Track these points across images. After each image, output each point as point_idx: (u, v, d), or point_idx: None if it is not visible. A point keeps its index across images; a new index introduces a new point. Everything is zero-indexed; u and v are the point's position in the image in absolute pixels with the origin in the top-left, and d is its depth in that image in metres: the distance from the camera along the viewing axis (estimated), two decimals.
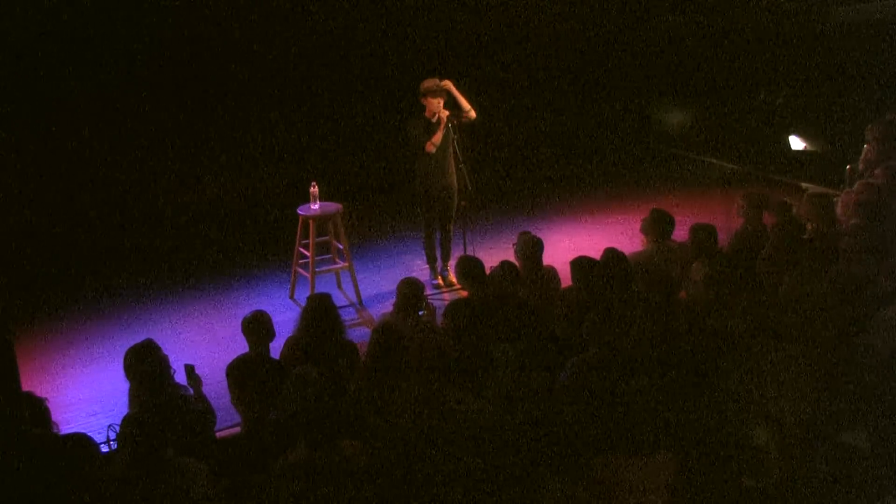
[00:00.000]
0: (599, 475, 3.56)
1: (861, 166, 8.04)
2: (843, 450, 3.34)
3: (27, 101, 8.95)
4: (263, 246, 8.64)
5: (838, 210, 6.71)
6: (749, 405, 3.98)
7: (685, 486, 3.50)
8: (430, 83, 7.16)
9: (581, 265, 5.52)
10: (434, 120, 7.21)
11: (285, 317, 6.64)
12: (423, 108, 7.23)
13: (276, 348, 5.09)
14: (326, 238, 7.49)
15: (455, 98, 7.23)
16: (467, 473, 3.57)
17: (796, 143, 10.60)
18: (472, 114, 7.29)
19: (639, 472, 3.56)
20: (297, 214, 7.30)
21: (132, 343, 4.74)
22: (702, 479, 3.50)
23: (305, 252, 7.35)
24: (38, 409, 4.17)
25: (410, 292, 5.43)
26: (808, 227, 6.39)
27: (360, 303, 7.45)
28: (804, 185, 9.44)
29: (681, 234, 6.42)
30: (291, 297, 7.55)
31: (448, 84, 7.21)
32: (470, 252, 7.28)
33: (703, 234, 5.97)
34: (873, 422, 3.78)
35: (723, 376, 4.22)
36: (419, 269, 7.96)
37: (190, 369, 4.75)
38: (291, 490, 3.48)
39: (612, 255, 5.67)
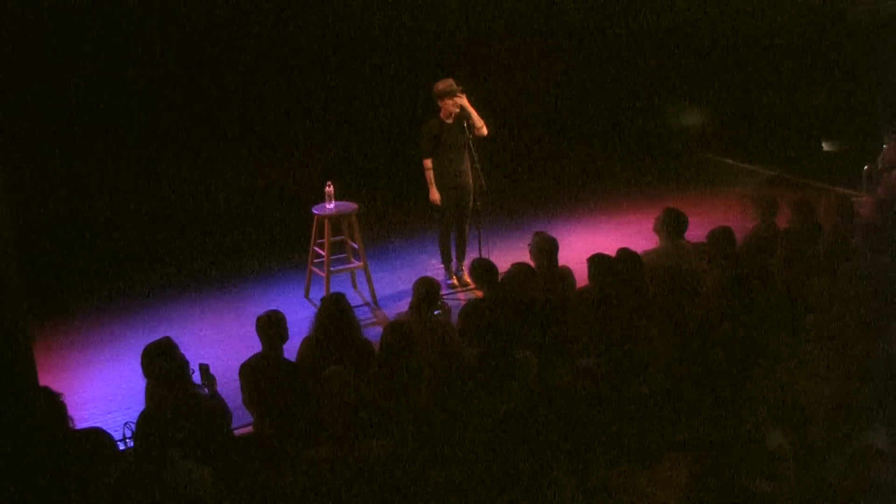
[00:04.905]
0: (611, 481, 3.54)
1: (880, 166, 7.99)
2: (861, 452, 3.31)
3: (41, 98, 9.00)
4: (279, 245, 8.66)
5: (862, 211, 6.67)
6: (765, 407, 3.96)
7: (698, 491, 3.48)
8: (444, 84, 7.17)
9: (599, 262, 5.51)
10: (449, 121, 7.21)
11: (300, 316, 6.65)
12: (438, 108, 7.24)
13: (288, 348, 5.10)
14: (341, 237, 7.50)
15: (468, 112, 7.23)
16: (477, 476, 3.56)
17: (826, 145, 10.59)
18: (484, 130, 7.30)
19: (650, 477, 3.54)
20: (313, 214, 7.32)
21: (148, 341, 4.76)
22: (715, 484, 3.47)
23: (320, 251, 7.37)
24: (55, 404, 4.20)
25: (426, 291, 5.43)
26: (828, 228, 6.35)
27: (375, 302, 7.46)
28: (827, 187, 9.41)
29: (697, 234, 6.40)
30: (306, 296, 7.56)
31: (463, 100, 7.20)
32: (485, 252, 7.28)
33: (721, 236, 5.94)
34: (893, 422, 3.75)
35: (740, 379, 4.20)
36: (434, 268, 7.95)
37: (205, 368, 4.77)
38: (315, 487, 3.48)
39: (625, 254, 5.66)
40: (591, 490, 3.51)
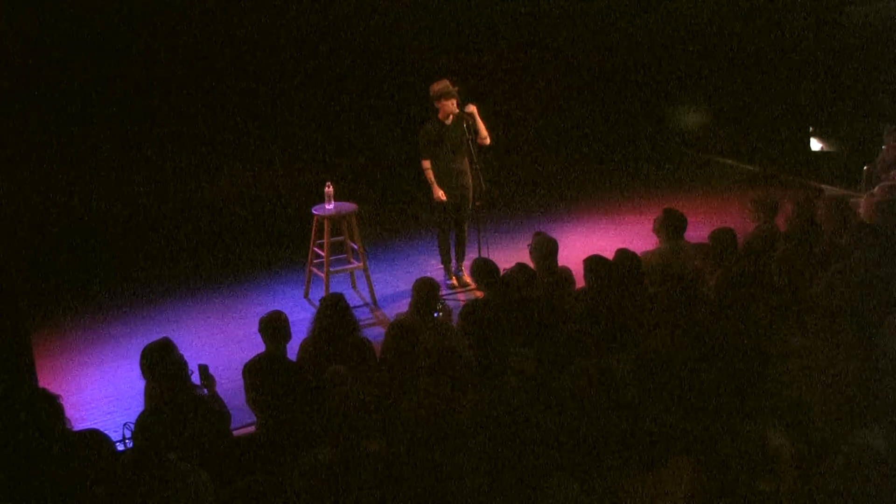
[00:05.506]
0: (614, 484, 3.54)
1: (879, 167, 7.99)
2: (860, 452, 3.30)
3: (44, 99, 9.01)
4: (278, 246, 8.66)
5: (861, 212, 6.67)
6: (765, 407, 3.95)
7: (701, 494, 3.48)
8: (440, 86, 7.17)
9: (593, 264, 5.51)
10: (448, 122, 7.22)
11: (300, 316, 6.65)
12: (436, 109, 7.25)
13: (291, 348, 5.11)
14: (341, 238, 7.51)
15: (475, 122, 7.25)
16: (479, 478, 3.56)
17: (816, 144, 10.58)
18: (487, 141, 7.35)
19: (653, 480, 3.54)
20: (312, 214, 7.33)
21: (148, 342, 4.76)
22: (718, 485, 3.47)
23: (320, 252, 7.37)
24: (52, 406, 4.19)
25: (426, 292, 5.43)
26: (827, 229, 6.35)
27: (375, 303, 7.46)
28: (824, 187, 9.41)
29: (697, 234, 6.39)
30: (306, 296, 7.56)
31: (472, 109, 7.23)
32: (484, 252, 7.28)
33: (723, 237, 5.94)
34: (891, 422, 3.75)
35: (742, 379, 4.19)
36: (434, 269, 7.95)
37: (204, 369, 4.77)
38: (314, 489, 3.48)
39: (624, 255, 5.66)
40: (594, 492, 3.51)
